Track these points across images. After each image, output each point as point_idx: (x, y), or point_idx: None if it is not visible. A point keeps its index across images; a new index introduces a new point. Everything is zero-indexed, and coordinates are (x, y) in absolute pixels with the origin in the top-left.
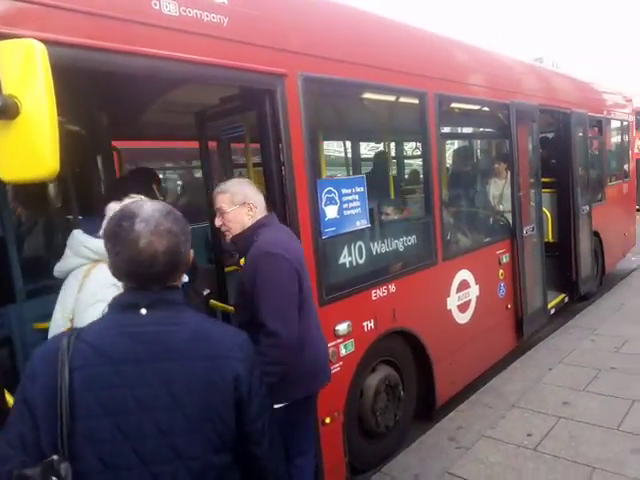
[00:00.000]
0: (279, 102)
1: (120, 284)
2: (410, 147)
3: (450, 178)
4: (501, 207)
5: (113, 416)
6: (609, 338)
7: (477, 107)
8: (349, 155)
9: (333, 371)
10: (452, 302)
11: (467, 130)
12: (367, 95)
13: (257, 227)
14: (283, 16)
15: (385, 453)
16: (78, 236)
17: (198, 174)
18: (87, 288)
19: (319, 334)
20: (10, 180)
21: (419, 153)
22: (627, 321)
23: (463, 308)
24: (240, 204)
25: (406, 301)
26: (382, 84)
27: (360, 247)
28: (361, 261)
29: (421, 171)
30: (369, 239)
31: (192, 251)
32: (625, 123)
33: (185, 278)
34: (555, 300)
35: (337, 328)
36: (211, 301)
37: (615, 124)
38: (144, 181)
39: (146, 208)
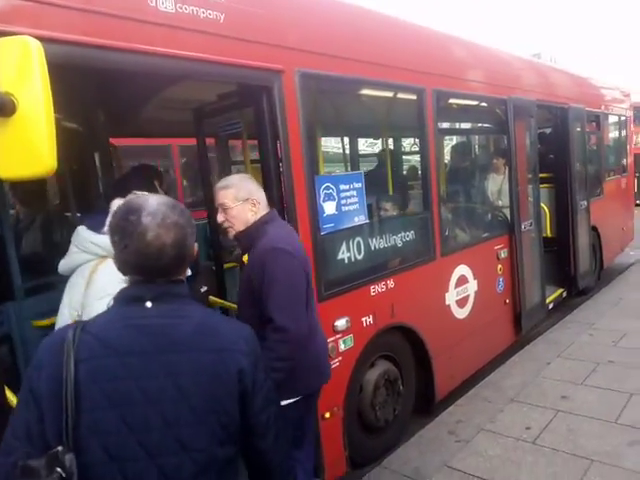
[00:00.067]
0: (276, 98)
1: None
2: (408, 143)
3: (448, 174)
4: (499, 202)
5: (118, 408)
6: (607, 332)
7: (475, 103)
8: (347, 151)
9: (333, 366)
10: (451, 297)
11: (465, 126)
12: (365, 91)
13: (261, 224)
14: (280, 12)
15: (385, 447)
16: (83, 232)
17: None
18: (96, 283)
19: (321, 330)
20: (7, 178)
21: (417, 149)
22: (625, 315)
23: (462, 303)
24: (244, 200)
25: (405, 296)
26: (380, 80)
27: (358, 243)
28: (360, 257)
29: (419, 167)
30: (367, 235)
31: (196, 245)
32: (623, 118)
33: (188, 272)
34: (553, 295)
35: (336, 324)
36: (210, 297)
37: (613, 119)
38: (146, 177)
39: (152, 202)
